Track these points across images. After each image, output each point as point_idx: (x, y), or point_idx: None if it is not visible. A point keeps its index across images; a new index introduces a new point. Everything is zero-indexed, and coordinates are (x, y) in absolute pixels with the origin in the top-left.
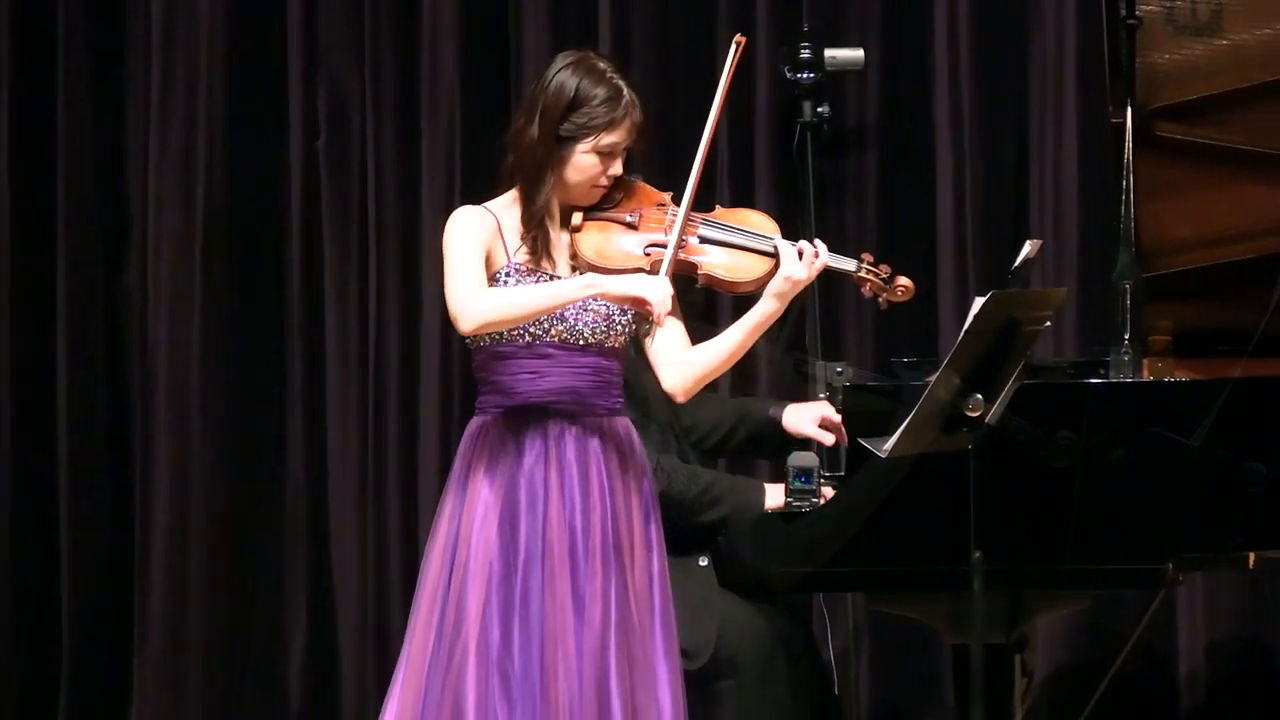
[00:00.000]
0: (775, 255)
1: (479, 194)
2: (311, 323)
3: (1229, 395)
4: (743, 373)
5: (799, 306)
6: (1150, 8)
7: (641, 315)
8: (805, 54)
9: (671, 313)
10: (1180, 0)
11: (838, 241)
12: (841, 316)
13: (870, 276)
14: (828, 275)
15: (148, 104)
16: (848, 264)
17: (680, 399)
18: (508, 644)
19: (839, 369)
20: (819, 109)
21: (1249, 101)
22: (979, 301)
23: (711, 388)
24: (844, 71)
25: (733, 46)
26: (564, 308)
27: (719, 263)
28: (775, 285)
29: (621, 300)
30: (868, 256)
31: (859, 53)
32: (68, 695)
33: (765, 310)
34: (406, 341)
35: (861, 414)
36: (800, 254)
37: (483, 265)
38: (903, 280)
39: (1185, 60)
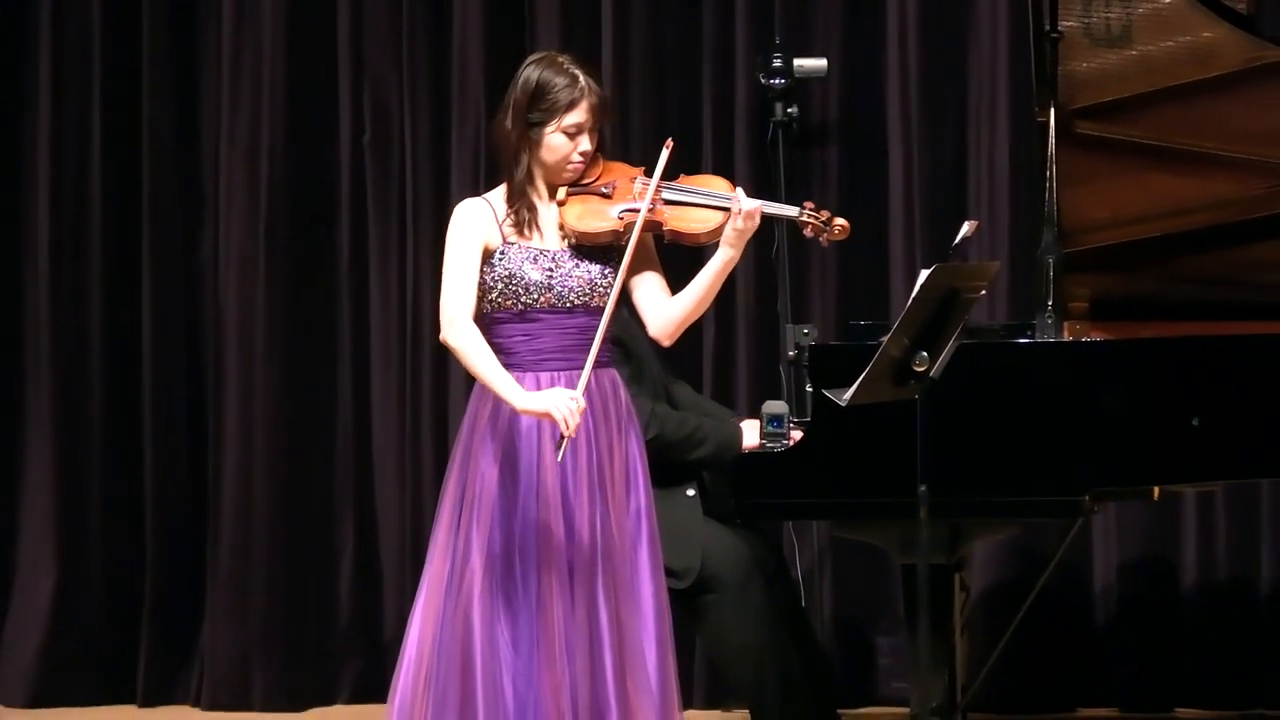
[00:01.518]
0: (724, 209)
1: (499, 182)
2: (358, 288)
3: (1138, 353)
4: (726, 336)
5: (752, 268)
6: (1071, 23)
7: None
8: (777, 62)
9: (652, 267)
10: (1096, 16)
11: None
12: (808, 284)
13: (811, 220)
14: (795, 249)
15: (219, 103)
16: (790, 210)
17: (665, 342)
18: (509, 568)
19: (806, 330)
20: (789, 109)
21: (1154, 103)
22: (924, 273)
23: (693, 380)
24: (810, 78)
25: (664, 149)
26: (485, 387)
27: (679, 218)
28: (726, 234)
29: (534, 414)
30: (809, 204)
31: (823, 62)
32: (150, 607)
33: (724, 257)
34: (438, 304)
35: (825, 368)
36: (741, 205)
37: (475, 268)
38: (839, 221)
39: (1100, 68)
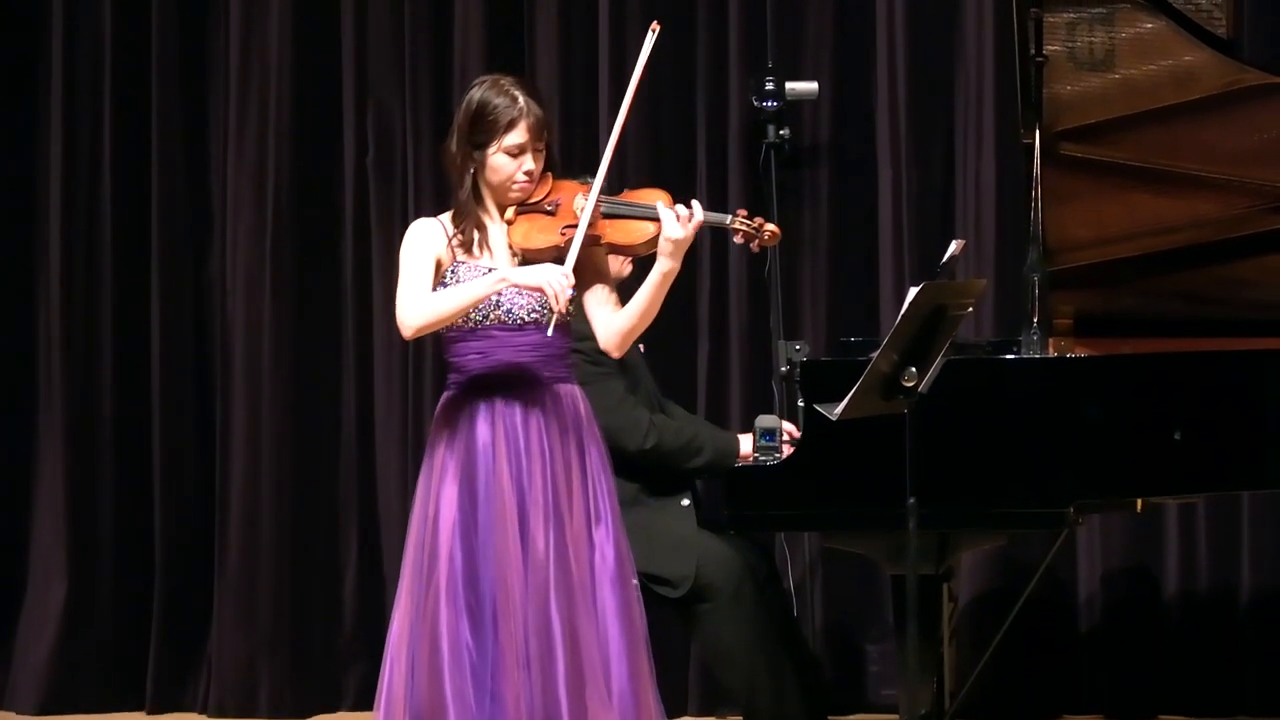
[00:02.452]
0: (658, 219)
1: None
2: (361, 304)
3: (1121, 368)
4: (719, 352)
5: (746, 285)
6: (1055, 47)
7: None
8: (769, 86)
9: (601, 280)
10: (1080, 41)
11: (795, 239)
12: (800, 301)
13: (742, 227)
14: (787, 267)
15: (227, 123)
16: (722, 218)
17: (615, 353)
18: (472, 583)
19: (798, 346)
20: (781, 131)
21: (1136, 125)
22: (913, 291)
23: (687, 394)
24: (801, 100)
25: (649, 34)
26: (484, 300)
27: (617, 231)
28: (661, 245)
29: (525, 288)
30: (741, 212)
31: (814, 85)
32: (159, 612)
33: (662, 269)
34: None
35: (816, 383)
36: (677, 216)
37: (428, 274)
38: (770, 227)
39: (1084, 91)
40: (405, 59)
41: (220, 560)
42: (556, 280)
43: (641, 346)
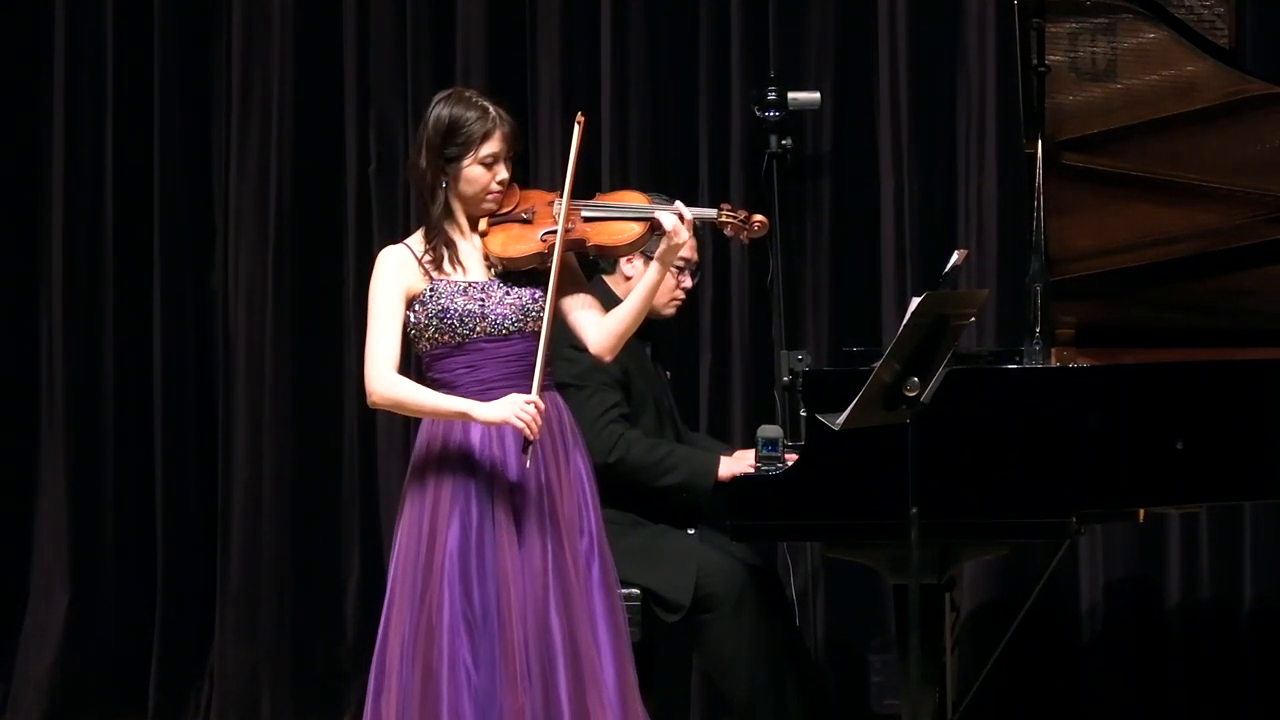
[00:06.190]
0: (648, 220)
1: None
2: (363, 315)
3: (1123, 378)
4: (722, 362)
5: (747, 295)
6: (1057, 57)
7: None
8: (771, 96)
9: (581, 288)
10: (1082, 51)
11: (797, 249)
12: (802, 311)
13: (730, 220)
14: (789, 276)
15: (229, 134)
16: (709, 212)
17: (607, 357)
18: (468, 592)
19: (800, 356)
20: (783, 141)
21: (1138, 135)
22: (915, 300)
23: (690, 405)
24: (804, 110)
25: (576, 126)
26: (441, 417)
27: (601, 233)
28: (662, 248)
29: (490, 425)
30: (726, 205)
31: (816, 95)
32: (161, 624)
33: (653, 273)
34: None
35: (818, 393)
36: (680, 217)
37: (397, 330)
38: (758, 218)
39: (1086, 101)
40: (407, 68)
41: (222, 572)
42: (524, 412)
43: (668, 373)
